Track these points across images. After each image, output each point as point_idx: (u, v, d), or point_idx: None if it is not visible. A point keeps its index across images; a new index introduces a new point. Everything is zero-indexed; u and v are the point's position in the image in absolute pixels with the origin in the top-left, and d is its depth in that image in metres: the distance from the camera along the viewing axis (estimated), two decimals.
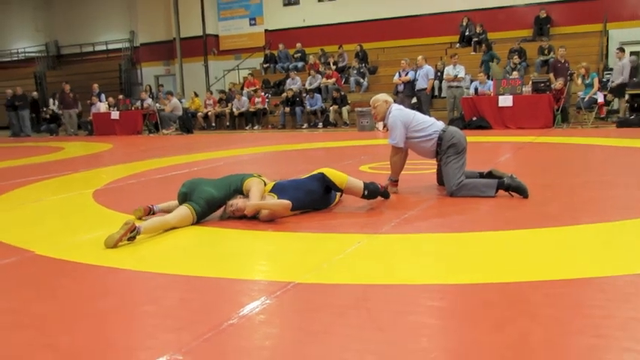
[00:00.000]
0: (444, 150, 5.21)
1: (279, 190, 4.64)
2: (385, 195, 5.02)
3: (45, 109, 21.71)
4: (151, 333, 2.52)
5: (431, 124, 5.34)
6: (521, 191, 5.03)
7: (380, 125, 12.33)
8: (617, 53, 13.62)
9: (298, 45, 20.71)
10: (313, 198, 4.69)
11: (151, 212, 4.85)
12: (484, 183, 5.15)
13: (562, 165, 7.37)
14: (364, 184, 4.75)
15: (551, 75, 13.80)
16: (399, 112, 5.42)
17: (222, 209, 4.69)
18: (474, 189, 5.12)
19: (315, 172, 4.74)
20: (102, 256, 3.77)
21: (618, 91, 13.24)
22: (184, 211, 4.45)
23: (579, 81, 13.07)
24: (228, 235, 4.25)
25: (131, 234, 4.00)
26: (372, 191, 4.76)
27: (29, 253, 3.90)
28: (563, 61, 13.95)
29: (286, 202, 4.46)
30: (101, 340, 2.47)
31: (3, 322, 2.74)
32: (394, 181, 5.48)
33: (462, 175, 5.16)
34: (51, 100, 21.17)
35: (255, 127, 17.63)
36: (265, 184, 4.75)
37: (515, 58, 15.14)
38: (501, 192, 5.06)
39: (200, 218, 4.53)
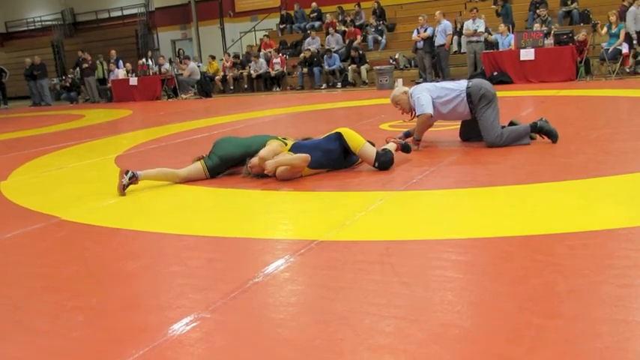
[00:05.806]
0: (476, 103, 5.18)
1: (296, 149, 4.64)
2: (406, 149, 5.00)
3: (64, 77, 21.77)
4: (178, 293, 2.56)
5: (455, 87, 5.33)
6: (552, 135, 5.10)
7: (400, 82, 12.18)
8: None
9: (314, 4, 20.39)
10: (331, 157, 4.68)
11: (127, 174, 4.53)
12: (521, 130, 5.21)
13: (585, 117, 7.24)
14: (377, 154, 4.62)
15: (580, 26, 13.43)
16: (418, 86, 5.52)
17: (243, 168, 4.78)
18: (514, 138, 5.17)
19: (332, 132, 4.73)
20: (127, 219, 3.83)
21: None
22: (195, 164, 4.78)
23: (603, 31, 12.72)
24: (250, 196, 4.28)
25: (126, 176, 4.43)
26: (382, 163, 4.61)
27: (55, 219, 3.97)
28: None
29: (305, 155, 4.49)
30: (130, 300, 2.52)
31: (34, 286, 2.80)
32: (417, 140, 5.42)
33: (499, 125, 5.18)
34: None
35: (274, 89, 17.55)
36: (287, 145, 4.77)
37: (542, 11, 14.61)
38: (523, 148, 5.01)
39: (213, 173, 4.78)
